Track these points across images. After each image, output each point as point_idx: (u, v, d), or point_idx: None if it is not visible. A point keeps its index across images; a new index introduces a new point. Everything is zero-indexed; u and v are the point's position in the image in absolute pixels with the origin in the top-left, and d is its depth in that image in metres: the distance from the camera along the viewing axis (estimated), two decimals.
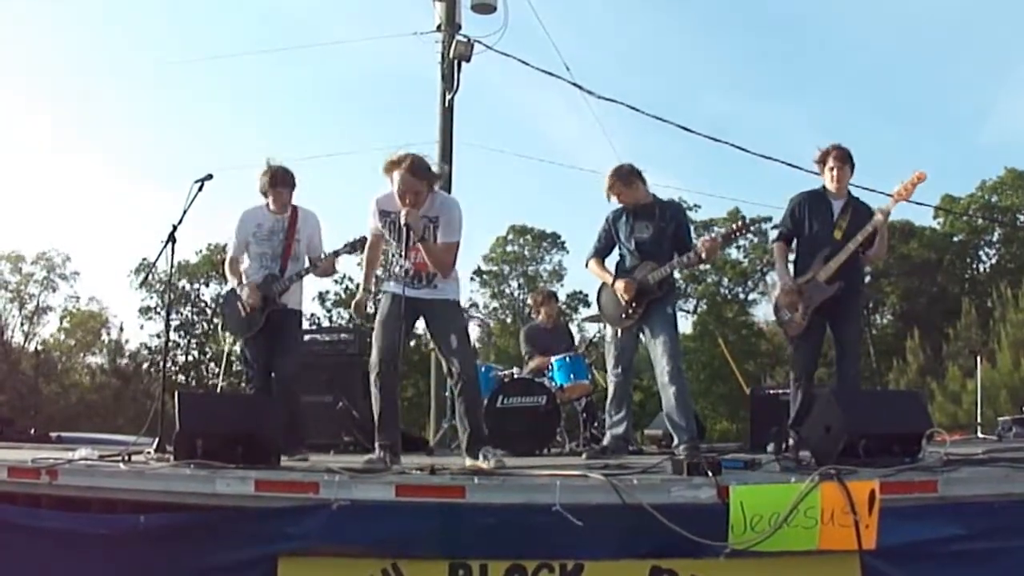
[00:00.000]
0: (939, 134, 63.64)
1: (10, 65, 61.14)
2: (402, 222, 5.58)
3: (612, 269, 6.92)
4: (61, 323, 47.52)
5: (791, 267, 7.00)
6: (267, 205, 7.04)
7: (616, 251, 6.96)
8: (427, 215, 5.69)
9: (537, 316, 10.17)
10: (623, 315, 6.69)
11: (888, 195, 6.89)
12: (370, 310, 6.50)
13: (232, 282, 7.14)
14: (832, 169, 6.77)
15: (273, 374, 6.98)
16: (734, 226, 7.16)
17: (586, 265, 7.06)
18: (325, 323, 41.67)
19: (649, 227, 6.69)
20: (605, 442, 6.87)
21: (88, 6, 64.46)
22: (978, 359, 15.45)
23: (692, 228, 7.04)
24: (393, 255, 5.86)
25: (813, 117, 63.47)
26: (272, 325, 6.92)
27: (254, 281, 6.91)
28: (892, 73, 63.92)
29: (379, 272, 6.38)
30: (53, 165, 66.21)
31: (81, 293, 48.04)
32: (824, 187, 6.88)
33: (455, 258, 5.80)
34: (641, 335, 6.72)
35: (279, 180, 6.95)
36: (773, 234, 7.51)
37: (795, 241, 7.00)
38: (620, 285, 6.64)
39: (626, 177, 6.75)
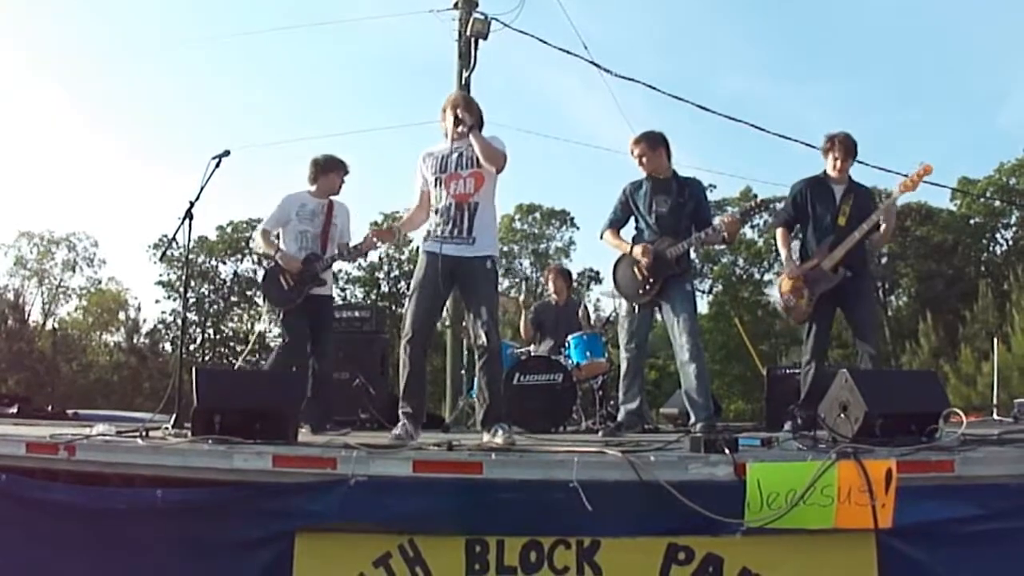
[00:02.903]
0: (958, 116, 63.65)
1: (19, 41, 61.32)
2: (454, 114, 5.77)
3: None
4: (80, 301, 47.83)
5: (795, 252, 7.10)
6: (310, 191, 7.62)
7: (633, 224, 6.97)
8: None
9: (548, 293, 10.23)
10: (640, 291, 6.70)
11: (903, 175, 6.89)
12: (387, 247, 6.72)
13: (268, 251, 7.53)
14: (836, 159, 6.88)
15: (315, 357, 7.48)
16: (751, 203, 7.18)
17: (600, 236, 7.06)
18: (339, 301, 41.70)
19: (668, 201, 6.72)
20: (620, 418, 6.88)
21: None
22: (995, 341, 15.36)
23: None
24: (434, 206, 5.86)
25: (831, 97, 63.40)
26: (312, 311, 7.44)
27: (293, 255, 7.38)
28: (910, 54, 63.73)
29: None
30: (69, 144, 66.61)
31: (102, 274, 48.48)
32: (825, 173, 6.98)
33: (505, 159, 5.78)
34: (658, 312, 6.73)
35: (333, 166, 7.66)
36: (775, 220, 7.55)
37: (798, 227, 7.12)
38: (638, 250, 6.65)
39: (653, 142, 6.80)
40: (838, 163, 6.86)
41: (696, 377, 6.41)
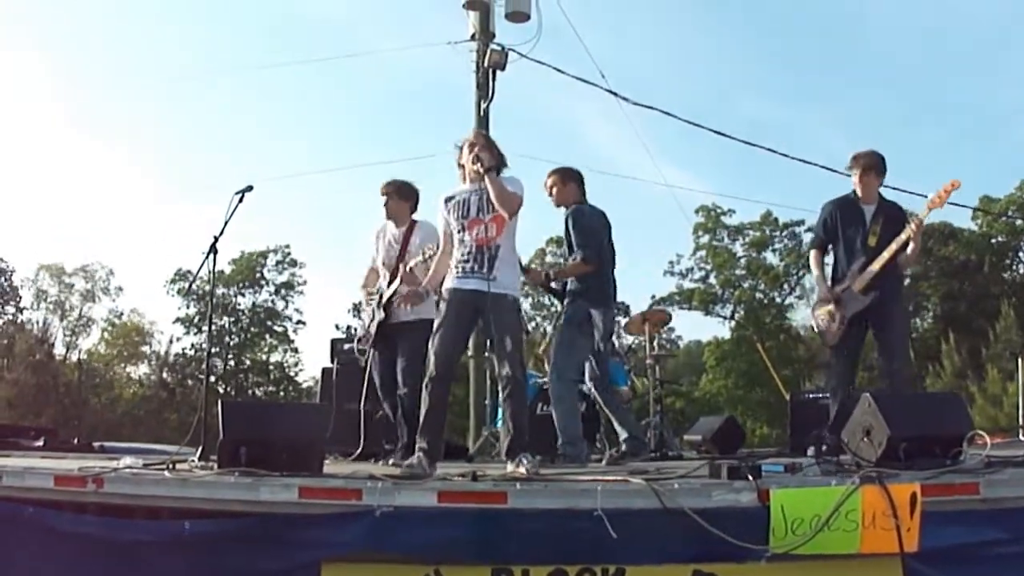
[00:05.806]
0: (977, 134, 63.33)
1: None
2: (473, 153, 5.71)
3: None
4: (103, 335, 48.01)
5: (828, 273, 7.06)
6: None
7: None
8: None
9: None
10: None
11: (923, 196, 6.85)
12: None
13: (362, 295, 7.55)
14: (860, 178, 6.81)
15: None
16: (548, 272, 7.78)
17: None
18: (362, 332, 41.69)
19: (565, 234, 7.18)
20: (623, 448, 7.12)
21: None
22: (1019, 361, 15.22)
23: (582, 233, 7.12)
24: (457, 247, 5.83)
25: (849, 119, 63.27)
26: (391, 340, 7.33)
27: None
28: (929, 72, 63.62)
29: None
30: (91, 176, 67.09)
31: (123, 305, 48.66)
32: (855, 192, 6.90)
33: (519, 204, 5.78)
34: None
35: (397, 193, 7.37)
36: (807, 240, 7.61)
37: (830, 247, 7.07)
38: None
39: (563, 177, 7.23)
40: (861, 183, 6.79)
41: (553, 404, 6.97)
